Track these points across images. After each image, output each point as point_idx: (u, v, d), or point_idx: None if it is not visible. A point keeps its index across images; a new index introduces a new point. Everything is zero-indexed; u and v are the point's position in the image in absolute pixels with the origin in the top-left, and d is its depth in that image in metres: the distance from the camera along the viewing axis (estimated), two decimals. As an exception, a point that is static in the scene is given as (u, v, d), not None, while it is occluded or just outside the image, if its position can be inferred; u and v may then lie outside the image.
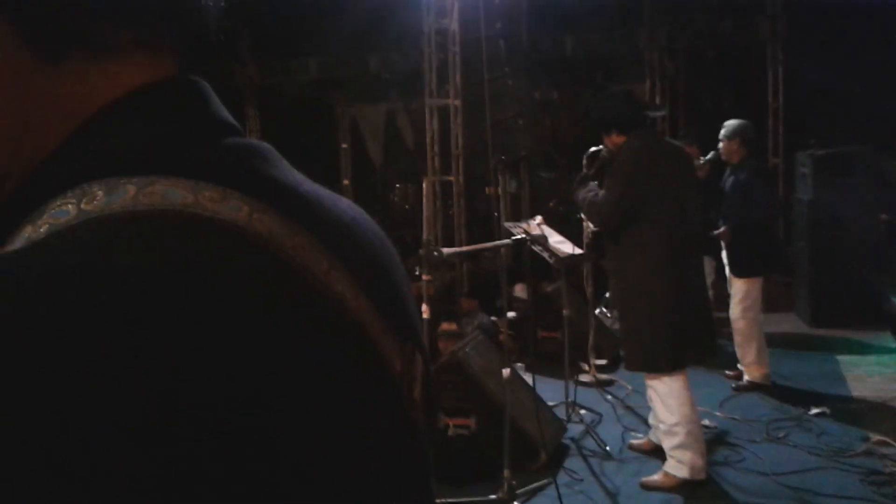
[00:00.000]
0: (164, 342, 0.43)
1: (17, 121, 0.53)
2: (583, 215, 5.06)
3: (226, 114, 0.59)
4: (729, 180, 5.69)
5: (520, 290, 7.39)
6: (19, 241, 0.48)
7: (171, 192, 0.49)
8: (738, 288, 5.60)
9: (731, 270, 5.68)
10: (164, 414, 0.41)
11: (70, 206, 0.48)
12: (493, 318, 6.79)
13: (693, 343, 4.20)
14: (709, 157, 6.03)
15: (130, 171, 0.49)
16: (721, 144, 5.76)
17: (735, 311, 5.59)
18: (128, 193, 0.48)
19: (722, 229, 5.63)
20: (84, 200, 0.48)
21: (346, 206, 0.63)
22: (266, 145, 0.60)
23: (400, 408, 0.58)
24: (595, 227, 4.30)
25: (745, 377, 5.70)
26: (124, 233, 0.47)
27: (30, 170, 0.53)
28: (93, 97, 0.54)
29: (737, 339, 5.69)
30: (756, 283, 5.62)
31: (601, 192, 4.24)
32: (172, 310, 0.44)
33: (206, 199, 0.49)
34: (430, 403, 0.63)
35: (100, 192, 0.48)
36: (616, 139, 4.25)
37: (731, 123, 5.73)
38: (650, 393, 4.25)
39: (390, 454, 0.56)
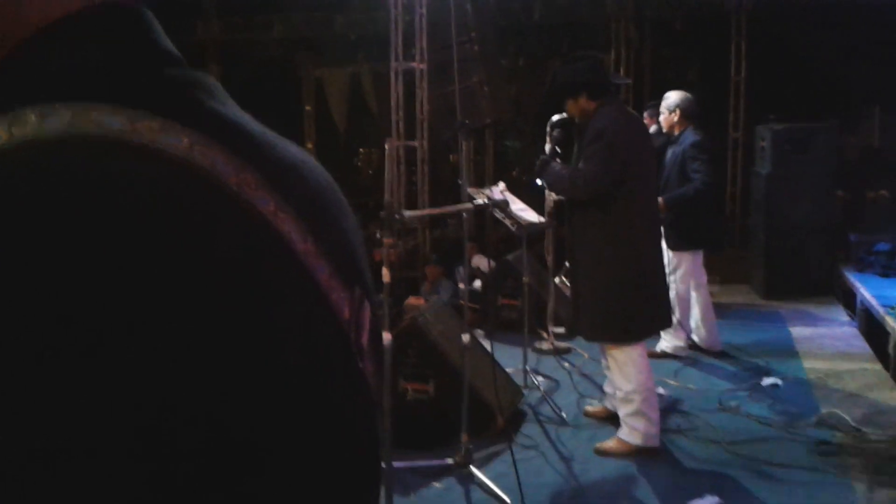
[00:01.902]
0: (89, 270, 0.42)
1: None
2: (552, 190, 4.92)
3: (169, 44, 0.57)
4: (668, 153, 5.70)
5: (477, 261, 7.38)
6: None
7: (108, 119, 0.47)
8: (671, 260, 5.60)
9: (666, 243, 5.67)
10: (87, 366, 0.41)
11: (1, 131, 0.46)
12: (460, 285, 6.80)
13: (653, 314, 4.26)
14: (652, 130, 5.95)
15: (66, 98, 0.47)
16: (661, 117, 5.77)
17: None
18: (62, 118, 0.46)
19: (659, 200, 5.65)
20: (16, 125, 0.46)
21: (295, 149, 0.61)
22: (212, 80, 0.57)
23: (348, 355, 0.56)
24: (576, 198, 4.18)
25: (660, 346, 5.75)
26: (57, 157, 0.45)
27: None
28: (29, 20, 0.51)
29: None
30: (686, 257, 5.66)
31: (580, 164, 4.13)
32: (101, 239, 0.43)
33: (144, 128, 0.47)
34: (377, 351, 0.61)
35: (33, 117, 0.46)
36: (585, 104, 4.17)
37: (670, 95, 5.73)
38: (608, 361, 4.30)
39: (337, 401, 0.55)
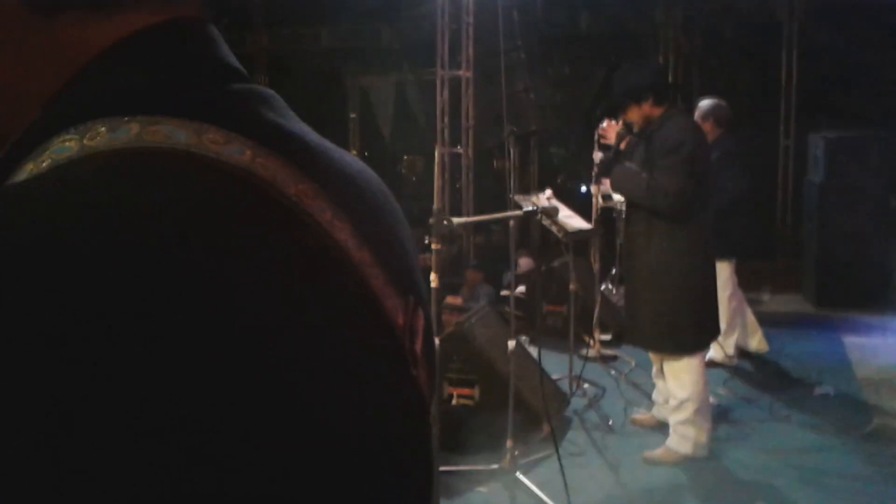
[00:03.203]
0: (157, 279, 0.43)
1: (17, 74, 0.53)
2: (618, 191, 4.75)
3: (232, 58, 0.59)
4: None
5: (524, 265, 7.36)
6: (21, 176, 0.48)
7: (175, 132, 0.49)
8: None
9: None
10: (158, 356, 0.41)
11: (73, 142, 0.48)
12: (502, 292, 6.78)
13: (713, 324, 4.24)
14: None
15: (133, 111, 0.49)
16: None
17: None
18: (131, 131, 0.48)
19: None
20: (87, 137, 0.48)
21: (350, 159, 0.62)
22: (272, 92, 0.59)
23: (402, 361, 0.57)
24: (651, 208, 4.04)
25: (709, 354, 5.64)
26: (127, 168, 0.47)
27: (31, 117, 0.53)
28: (93, 43, 0.53)
29: None
30: (723, 267, 5.56)
31: (655, 172, 3.99)
32: (170, 248, 0.44)
33: (209, 141, 0.49)
34: (431, 359, 0.62)
35: (103, 129, 0.48)
36: (650, 110, 4.07)
37: (703, 104, 5.66)
38: (664, 369, 4.25)
39: (392, 407, 0.55)
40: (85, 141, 0.48)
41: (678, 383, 4.14)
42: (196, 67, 0.55)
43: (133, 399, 0.41)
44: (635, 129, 4.23)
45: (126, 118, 0.49)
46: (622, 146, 4.35)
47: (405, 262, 0.61)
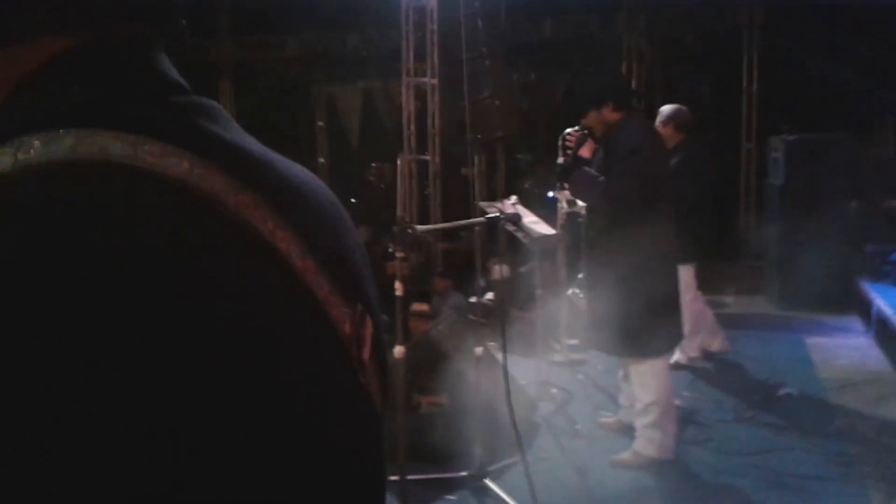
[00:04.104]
0: (85, 294, 0.43)
1: None
2: (577, 196, 4.74)
3: (171, 71, 0.59)
4: None
5: (497, 272, 7.38)
6: None
7: (110, 145, 0.48)
8: None
9: None
10: (83, 372, 0.42)
11: (5, 157, 0.48)
12: (470, 298, 6.79)
13: (677, 328, 4.28)
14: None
15: (68, 125, 0.49)
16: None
17: None
18: (66, 144, 0.48)
19: None
20: (21, 151, 0.48)
21: (297, 169, 0.62)
22: (213, 103, 0.59)
23: (349, 370, 0.57)
24: (605, 210, 4.08)
25: (674, 357, 5.70)
26: (61, 181, 0.47)
27: None
28: (21, 66, 0.53)
29: None
30: (685, 270, 5.62)
31: (610, 177, 4.03)
32: (102, 260, 0.44)
33: (145, 153, 0.49)
34: (381, 366, 0.62)
35: (37, 143, 0.48)
36: (609, 115, 4.09)
37: (665, 109, 5.72)
38: (629, 373, 4.29)
39: (339, 415, 0.56)
40: (19, 155, 0.47)
41: (643, 387, 4.18)
42: (133, 81, 0.55)
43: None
44: (596, 135, 4.25)
45: (61, 131, 0.48)
46: (583, 152, 4.36)
47: (353, 271, 0.61)
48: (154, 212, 0.48)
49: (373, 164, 11.38)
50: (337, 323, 0.56)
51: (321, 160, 11.07)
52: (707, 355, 5.88)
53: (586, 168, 4.22)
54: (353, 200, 10.08)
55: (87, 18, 0.54)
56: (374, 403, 0.61)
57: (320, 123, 11.25)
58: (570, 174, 4.28)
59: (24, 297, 0.42)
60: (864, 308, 6.90)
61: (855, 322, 6.90)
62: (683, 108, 5.74)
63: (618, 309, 4.07)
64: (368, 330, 0.60)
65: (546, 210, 6.10)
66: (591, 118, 4.18)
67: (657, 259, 4.04)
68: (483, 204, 5.31)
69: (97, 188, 0.47)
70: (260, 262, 0.51)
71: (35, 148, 0.48)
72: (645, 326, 4.03)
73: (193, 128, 0.55)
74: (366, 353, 0.59)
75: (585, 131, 4.34)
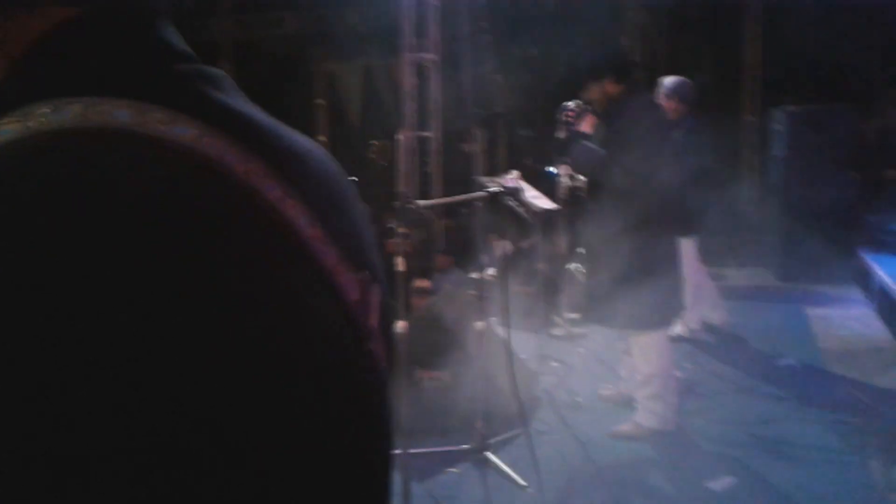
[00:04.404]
0: (100, 259, 0.43)
1: None
2: (579, 170, 4.73)
3: (180, 41, 0.59)
4: None
5: (498, 247, 7.39)
6: None
7: (119, 112, 0.49)
8: None
9: None
10: (93, 334, 0.42)
11: (14, 125, 0.48)
12: (472, 274, 6.80)
13: (678, 300, 4.29)
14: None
15: (76, 94, 0.49)
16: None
17: None
18: (75, 111, 0.48)
19: None
20: (30, 119, 0.48)
21: (303, 139, 0.62)
22: (220, 72, 0.59)
23: (357, 336, 0.57)
24: (609, 184, 4.05)
25: (675, 329, 5.71)
26: (71, 147, 0.47)
27: None
28: (24, 35, 0.53)
29: None
30: (687, 243, 5.61)
31: (612, 150, 4.02)
32: (117, 227, 0.44)
33: (153, 120, 0.49)
34: (387, 333, 0.63)
35: (46, 111, 0.48)
36: (610, 88, 4.08)
37: (668, 82, 5.68)
38: (628, 344, 4.31)
39: (347, 381, 0.56)
40: (28, 123, 0.48)
41: (644, 359, 4.20)
42: (140, 50, 0.55)
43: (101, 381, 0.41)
44: (597, 108, 4.23)
45: (70, 100, 0.48)
46: (584, 127, 4.35)
47: (359, 239, 0.62)
48: (164, 178, 0.48)
49: (373, 142, 11.36)
50: (344, 290, 0.56)
51: (321, 138, 11.03)
52: (708, 327, 5.90)
53: (586, 142, 4.22)
54: (353, 179, 10.05)
55: None
56: (381, 369, 0.61)
57: (320, 101, 11.21)
58: (570, 148, 4.27)
59: (37, 260, 0.42)
60: (864, 279, 6.91)
61: (856, 293, 6.91)
62: (687, 80, 5.71)
63: (619, 282, 4.08)
64: (375, 297, 0.60)
65: (547, 185, 6.10)
66: (592, 91, 4.16)
67: (658, 232, 4.05)
68: (484, 179, 5.32)
69: (107, 154, 0.47)
70: (269, 228, 0.52)
71: (44, 116, 0.48)
72: (646, 299, 4.04)
73: (201, 96, 0.55)
74: (373, 320, 0.59)
75: (585, 105, 4.33)
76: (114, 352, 0.42)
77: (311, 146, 0.62)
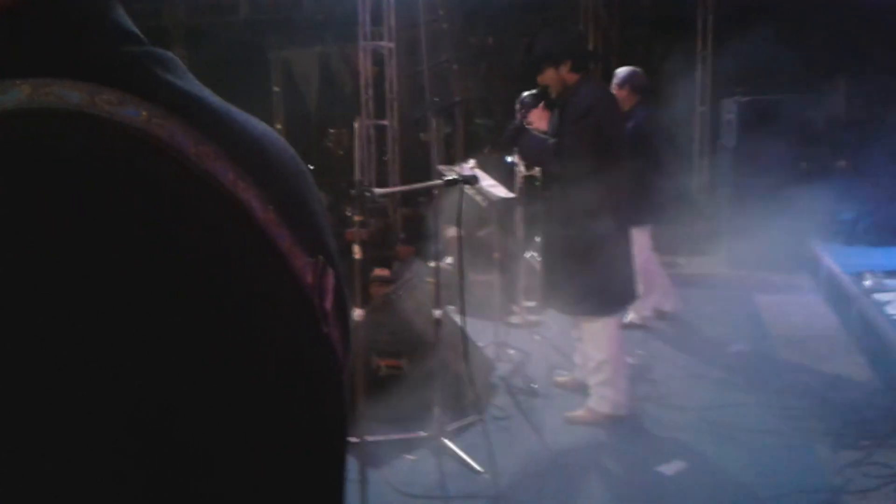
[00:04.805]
0: (49, 243, 0.43)
1: None
2: (526, 159, 4.76)
3: (129, 23, 0.58)
4: None
5: (454, 236, 7.42)
6: None
7: (68, 93, 0.48)
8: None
9: None
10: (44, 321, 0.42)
11: None
12: (429, 262, 6.81)
13: (628, 287, 4.34)
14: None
15: (23, 74, 0.48)
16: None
17: None
18: (22, 93, 0.47)
19: None
20: None
21: (256, 122, 0.62)
22: (170, 54, 0.58)
23: (313, 320, 0.57)
24: (555, 171, 4.10)
25: (628, 316, 5.84)
26: (19, 129, 0.46)
27: None
28: None
29: None
30: (641, 232, 5.73)
31: (563, 137, 4.04)
32: (65, 209, 0.44)
33: (103, 102, 0.48)
34: (343, 317, 0.63)
35: None
36: (566, 75, 4.09)
37: (620, 71, 5.76)
38: (580, 331, 4.37)
39: (304, 365, 0.56)
40: None
41: (595, 345, 4.26)
42: (88, 31, 0.54)
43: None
44: (552, 95, 4.25)
45: (17, 80, 0.48)
46: (537, 120, 4.35)
47: (313, 223, 0.62)
48: (114, 160, 0.47)
49: (331, 130, 11.30)
50: (300, 274, 0.56)
51: (278, 126, 10.95)
52: (660, 314, 6.00)
53: (533, 131, 4.26)
54: (310, 167, 9.99)
55: None
56: (337, 353, 0.61)
57: (276, 89, 11.11)
58: (518, 137, 4.29)
59: None
60: (813, 266, 7.07)
61: (805, 280, 7.06)
62: (639, 70, 5.78)
63: (570, 268, 4.13)
64: (330, 281, 0.60)
65: (505, 174, 6.13)
66: (548, 76, 4.17)
67: (607, 219, 4.10)
68: (442, 168, 5.33)
69: (56, 135, 0.46)
70: (222, 212, 0.51)
71: None
72: (596, 286, 4.09)
73: (151, 77, 0.54)
74: (328, 304, 0.59)
75: (538, 93, 4.35)
76: (64, 339, 0.42)
77: (264, 129, 0.62)
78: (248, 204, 0.52)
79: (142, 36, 0.58)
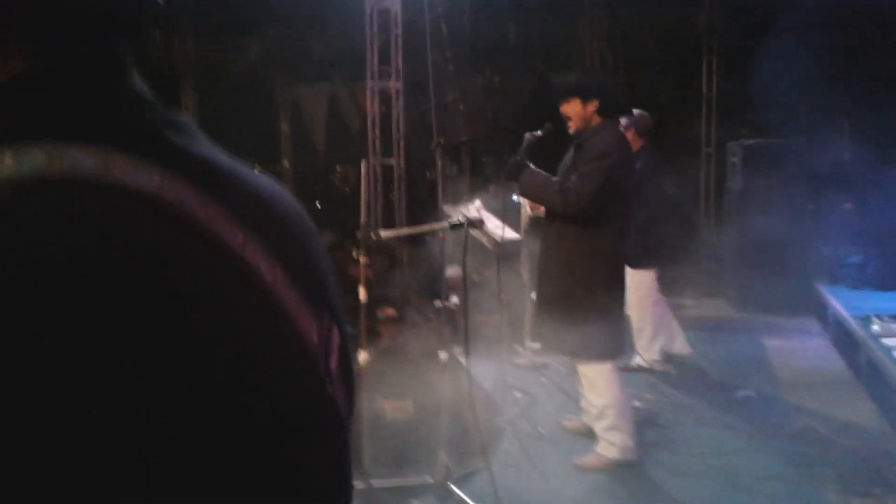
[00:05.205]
0: (62, 307, 0.44)
1: None
2: (526, 196, 4.71)
3: (140, 86, 0.59)
4: None
5: (452, 272, 7.40)
6: None
7: (82, 160, 0.49)
8: (630, 278, 5.58)
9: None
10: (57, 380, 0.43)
11: None
12: (435, 303, 6.80)
13: (623, 332, 4.33)
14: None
15: (40, 140, 0.49)
16: None
17: (629, 299, 5.45)
18: (38, 159, 0.48)
19: None
20: None
21: (264, 181, 0.63)
22: (183, 118, 0.60)
23: (317, 380, 0.58)
24: (562, 211, 4.06)
25: (636, 360, 5.82)
26: (35, 197, 0.47)
27: None
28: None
29: (632, 324, 5.76)
30: (647, 275, 5.72)
31: (574, 176, 4.00)
32: (76, 277, 0.45)
33: (116, 168, 0.49)
34: (347, 375, 0.63)
35: (8, 159, 0.48)
36: (591, 114, 4.06)
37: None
38: (579, 375, 4.35)
39: (306, 425, 0.57)
40: None
41: (594, 391, 4.23)
42: (103, 96, 0.56)
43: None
44: (570, 127, 4.16)
45: (33, 145, 0.48)
46: (528, 154, 4.29)
47: (319, 280, 0.62)
48: (126, 228, 0.48)
49: (337, 168, 11.35)
50: (305, 333, 0.57)
51: (286, 164, 11.02)
52: (668, 357, 5.96)
53: (534, 167, 4.22)
54: (318, 204, 10.04)
55: (59, 32, 0.54)
56: (341, 413, 0.61)
57: (284, 127, 11.20)
58: (519, 173, 4.24)
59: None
60: (821, 310, 7.04)
61: (812, 324, 7.03)
62: (644, 113, 5.80)
63: (566, 311, 4.10)
64: (336, 339, 0.61)
65: (512, 213, 6.14)
66: (573, 107, 4.10)
67: (607, 263, 4.08)
68: (447, 208, 5.34)
69: (69, 205, 0.47)
70: (230, 275, 0.52)
71: (7, 164, 0.48)
72: (589, 329, 4.06)
73: (163, 142, 0.55)
74: (333, 363, 0.60)
75: (543, 134, 4.31)
76: (84, 404, 0.43)
77: (272, 188, 0.63)
78: (255, 266, 0.53)
79: (153, 98, 0.59)
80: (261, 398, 0.52)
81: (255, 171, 0.63)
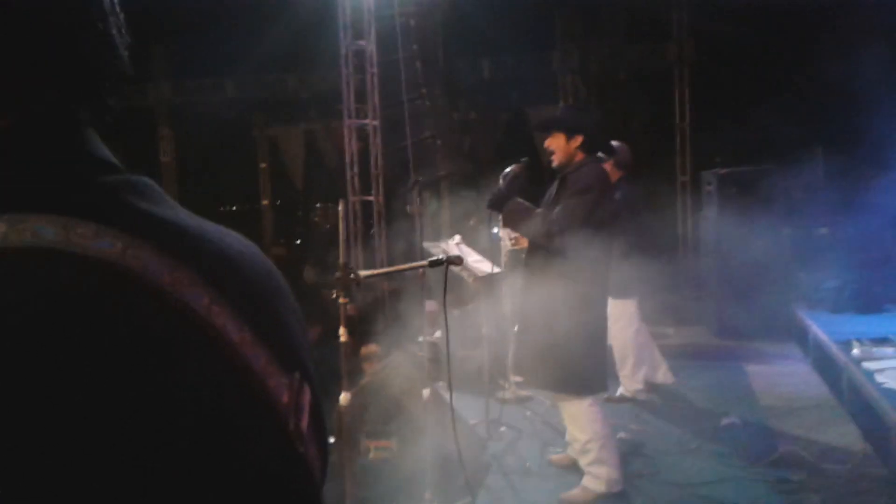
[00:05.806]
0: (19, 383, 0.44)
1: None
2: (510, 226, 4.70)
3: (101, 149, 0.59)
4: None
5: (430, 306, 7.38)
6: None
7: (43, 230, 0.49)
8: (611, 308, 5.59)
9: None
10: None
11: None
12: (418, 339, 6.78)
13: (604, 367, 4.32)
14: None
15: (1, 209, 0.49)
16: None
17: (610, 330, 5.35)
18: None
19: None
20: None
21: (232, 239, 0.63)
22: (146, 180, 0.59)
23: (287, 439, 0.58)
24: (543, 243, 4.07)
25: (620, 391, 5.82)
26: None
27: None
28: None
29: (615, 355, 5.78)
30: (628, 304, 5.74)
31: (557, 209, 4.02)
32: (33, 354, 0.45)
33: (77, 236, 0.49)
34: (319, 433, 0.63)
35: None
36: (574, 150, 4.10)
37: None
38: (560, 410, 4.34)
39: (277, 484, 0.56)
40: None
41: (576, 426, 4.22)
42: (64, 162, 0.55)
43: None
44: (553, 161, 4.20)
45: None
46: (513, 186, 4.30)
47: (289, 340, 0.62)
48: (86, 299, 0.48)
49: (317, 205, 11.37)
50: (275, 394, 0.56)
51: (265, 202, 11.02)
52: (651, 387, 5.96)
53: (520, 199, 4.26)
54: (298, 242, 10.04)
55: (15, 99, 0.54)
56: (313, 471, 0.61)
57: (263, 165, 11.22)
58: (503, 204, 4.26)
59: None
60: (801, 335, 7.07)
61: (793, 349, 7.06)
62: (623, 145, 5.85)
63: (543, 343, 4.09)
64: (306, 398, 0.60)
65: (491, 247, 6.16)
66: (557, 141, 4.15)
67: (588, 297, 4.08)
68: (427, 245, 5.35)
69: (29, 278, 0.47)
70: (195, 338, 0.52)
71: None
72: (573, 366, 4.05)
73: (125, 207, 0.55)
74: (304, 422, 0.59)
75: (519, 170, 4.34)
76: (44, 471, 0.43)
77: (240, 246, 0.63)
78: (222, 328, 0.53)
79: (115, 163, 0.59)
80: (228, 460, 0.51)
81: (224, 230, 0.63)
